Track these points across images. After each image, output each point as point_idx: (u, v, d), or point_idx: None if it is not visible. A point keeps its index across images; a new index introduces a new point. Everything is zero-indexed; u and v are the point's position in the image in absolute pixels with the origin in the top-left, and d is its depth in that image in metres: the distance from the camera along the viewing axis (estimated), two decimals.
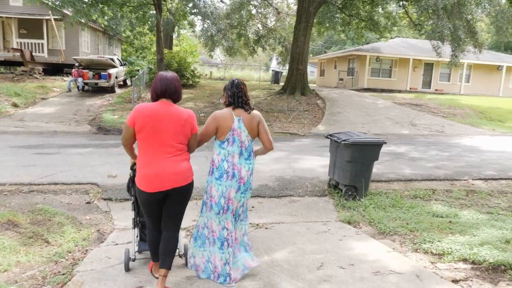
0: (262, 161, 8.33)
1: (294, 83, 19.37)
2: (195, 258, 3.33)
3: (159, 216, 3.03)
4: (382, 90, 24.30)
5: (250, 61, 48.64)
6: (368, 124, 14.20)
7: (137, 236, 3.54)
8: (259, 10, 31.08)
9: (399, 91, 24.52)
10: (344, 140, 5.85)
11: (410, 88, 25.68)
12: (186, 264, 3.45)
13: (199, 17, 31.57)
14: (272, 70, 30.65)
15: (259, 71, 44.78)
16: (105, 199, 5.85)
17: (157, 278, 3.08)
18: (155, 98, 2.94)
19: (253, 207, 5.66)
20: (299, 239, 4.36)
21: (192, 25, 25.66)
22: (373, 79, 25.84)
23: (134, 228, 3.52)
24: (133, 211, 3.53)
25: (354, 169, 5.93)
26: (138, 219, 3.55)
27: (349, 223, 4.98)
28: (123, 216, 5.17)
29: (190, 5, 23.42)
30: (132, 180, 3.37)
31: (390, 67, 26.48)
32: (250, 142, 3.22)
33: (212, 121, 3.13)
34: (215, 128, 3.13)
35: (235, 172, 3.12)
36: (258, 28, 33.30)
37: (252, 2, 29.49)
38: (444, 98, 21.33)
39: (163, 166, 2.81)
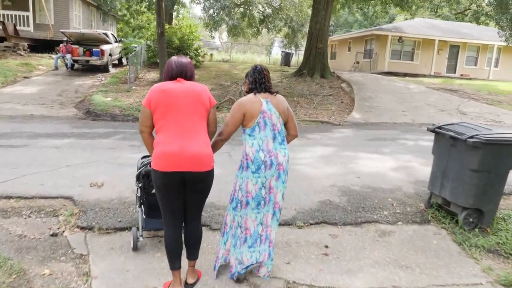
0: (306, 160, 6.10)
1: (313, 64, 16.99)
2: (230, 259, 2.95)
3: (179, 207, 2.68)
4: (405, 74, 21.93)
5: (251, 44, 46.23)
6: (409, 111, 11.94)
7: (143, 213, 3.40)
8: None
9: (424, 76, 22.18)
10: (472, 137, 3.60)
11: (435, 73, 23.34)
12: None
13: None
14: (282, 51, 28.13)
15: (261, 54, 42.21)
16: (82, 228, 3.61)
17: None
18: (169, 79, 2.71)
19: (326, 246, 3.44)
20: None
21: None
22: (394, 62, 23.42)
23: (140, 207, 3.36)
24: (138, 188, 3.34)
25: (483, 183, 3.70)
26: (144, 196, 3.41)
27: None
28: (110, 268, 2.94)
29: None
30: (143, 176, 3.32)
31: (413, 49, 24.03)
32: (282, 125, 2.93)
33: (238, 108, 2.83)
34: (242, 115, 2.82)
35: (273, 159, 2.80)
36: (264, 7, 30.84)
37: None
38: (477, 83, 19.06)
39: (183, 145, 2.54)
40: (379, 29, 24.15)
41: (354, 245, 3.47)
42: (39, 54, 19.10)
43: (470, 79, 22.41)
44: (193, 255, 2.84)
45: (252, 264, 2.85)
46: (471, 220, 3.84)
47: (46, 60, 17.89)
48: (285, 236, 3.62)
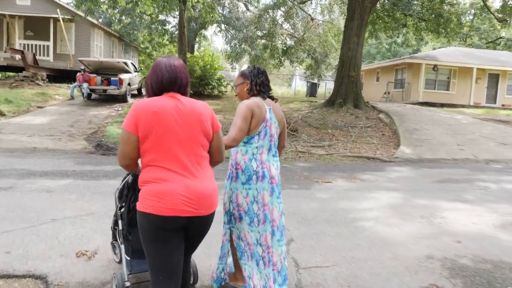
0: (372, 212, 4.57)
1: (345, 94, 15.64)
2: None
3: (177, 263, 1.93)
4: (442, 105, 20.29)
5: (272, 75, 45.77)
6: (465, 145, 10.30)
7: (127, 252, 2.61)
8: (290, 20, 27.75)
9: (462, 106, 20.50)
10: None
11: (474, 103, 21.61)
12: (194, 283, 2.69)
13: (224, 26, 28.72)
14: (308, 82, 26.99)
15: (282, 86, 41.45)
16: None
17: None
18: (157, 92, 1.99)
19: None
20: None
21: (218, 22, 22.28)
22: (429, 91, 21.82)
23: (123, 244, 2.58)
24: (120, 221, 2.59)
25: None
26: (127, 230, 2.59)
27: None
28: None
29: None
30: (128, 187, 2.55)
31: (448, 78, 22.46)
32: (277, 136, 2.63)
33: (248, 110, 2.43)
34: (251, 118, 2.45)
35: (265, 171, 2.49)
36: (286, 39, 30.22)
37: (281, 9, 26.43)
38: None
39: (188, 184, 1.86)
40: (412, 57, 22.82)
41: None
42: (58, 84, 18.45)
43: None
44: None
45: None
46: None
47: (63, 90, 17.16)
48: None
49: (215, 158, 2.08)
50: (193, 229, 1.96)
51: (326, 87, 29.91)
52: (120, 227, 2.60)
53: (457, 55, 23.76)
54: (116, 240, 2.89)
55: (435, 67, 21.68)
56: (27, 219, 3.84)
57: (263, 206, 2.48)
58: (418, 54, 24.73)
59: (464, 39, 36.29)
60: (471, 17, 28.43)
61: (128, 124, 1.85)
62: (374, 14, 18.51)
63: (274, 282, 2.47)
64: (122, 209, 2.59)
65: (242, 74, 2.64)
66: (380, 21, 19.31)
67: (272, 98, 2.62)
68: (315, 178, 6.45)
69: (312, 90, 25.15)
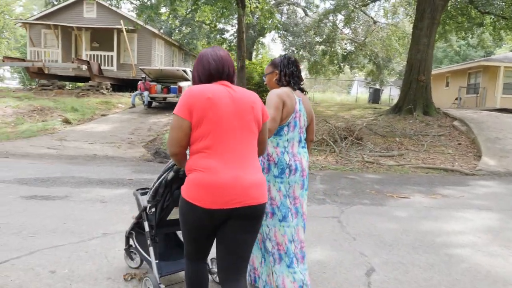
0: (466, 236, 3.79)
1: (414, 99, 14.45)
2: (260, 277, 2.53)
3: (209, 243, 1.95)
4: None
5: (330, 83, 44.67)
6: None
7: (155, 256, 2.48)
8: (350, 24, 26.65)
9: None
10: None
11: None
12: None
13: (282, 32, 28.39)
14: (370, 88, 25.76)
15: (341, 93, 40.27)
16: None
17: None
18: (205, 82, 1.94)
19: None
20: None
21: (277, 28, 21.82)
22: (508, 97, 19.70)
23: (151, 246, 2.45)
24: (146, 222, 2.46)
25: None
26: (155, 232, 2.50)
27: None
28: None
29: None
30: (166, 184, 2.29)
31: None
32: (305, 129, 2.58)
33: (279, 99, 2.36)
34: (282, 108, 2.39)
35: (297, 163, 2.44)
36: (346, 44, 29.16)
37: (342, 13, 25.46)
38: None
39: (236, 174, 1.79)
40: (488, 59, 20.86)
41: None
42: (121, 93, 19.12)
43: None
44: None
45: None
46: None
47: (126, 99, 17.69)
48: None
49: (259, 149, 2.00)
50: (240, 221, 1.82)
51: (390, 93, 28.40)
52: (147, 229, 2.47)
53: None
54: (130, 245, 2.80)
55: None
56: (78, 233, 3.57)
57: (294, 200, 2.45)
58: (495, 56, 22.57)
59: None
60: None
61: (180, 109, 1.79)
62: (444, 14, 17.14)
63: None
64: (153, 209, 2.41)
65: (272, 63, 2.57)
66: (451, 21, 17.84)
67: (302, 90, 2.57)
68: (388, 193, 5.71)
69: (375, 96, 23.88)
